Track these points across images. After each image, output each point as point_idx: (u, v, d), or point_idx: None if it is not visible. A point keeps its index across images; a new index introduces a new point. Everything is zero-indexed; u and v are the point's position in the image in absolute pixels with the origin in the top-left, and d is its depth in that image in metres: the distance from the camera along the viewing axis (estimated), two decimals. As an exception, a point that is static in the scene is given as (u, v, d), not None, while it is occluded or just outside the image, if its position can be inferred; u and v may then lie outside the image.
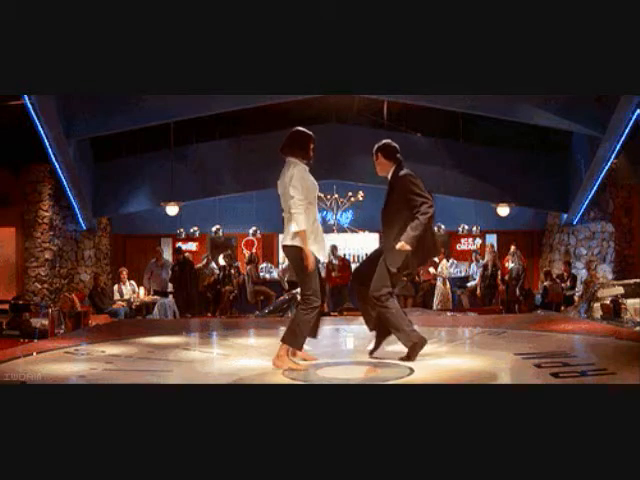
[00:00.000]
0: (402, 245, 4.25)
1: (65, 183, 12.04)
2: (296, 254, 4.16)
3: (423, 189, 4.37)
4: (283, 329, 4.43)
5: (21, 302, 9.13)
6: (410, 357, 4.31)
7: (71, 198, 12.52)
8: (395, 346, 4.54)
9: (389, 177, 4.51)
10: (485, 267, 12.53)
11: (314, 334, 4.33)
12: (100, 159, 13.40)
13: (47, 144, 10.89)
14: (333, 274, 12.28)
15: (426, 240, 4.40)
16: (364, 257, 13.93)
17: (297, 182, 4.13)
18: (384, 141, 4.59)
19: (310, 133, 4.31)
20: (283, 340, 4.15)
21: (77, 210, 12.89)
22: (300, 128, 4.34)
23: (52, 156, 11.23)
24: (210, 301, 12.68)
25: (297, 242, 4.14)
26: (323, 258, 4.20)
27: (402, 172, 4.42)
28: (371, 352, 4.57)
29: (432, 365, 4.23)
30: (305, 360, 4.32)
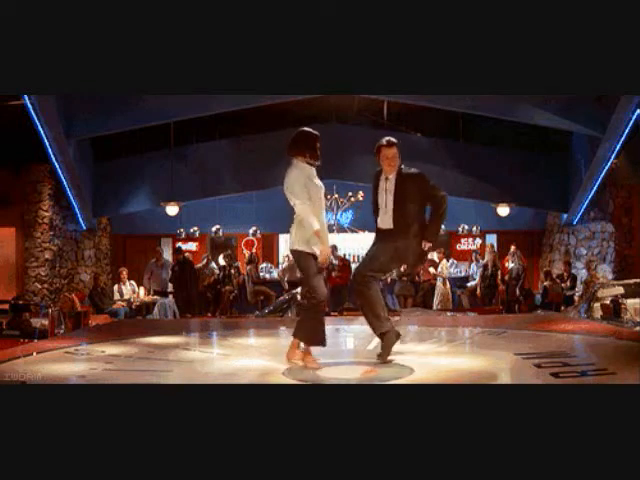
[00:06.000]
0: (429, 246, 4.35)
1: (65, 183, 12.04)
2: (295, 257, 4.16)
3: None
4: (283, 329, 4.44)
5: (21, 302, 9.12)
6: (384, 354, 4.27)
7: (71, 198, 12.52)
8: (395, 346, 4.54)
9: (392, 175, 4.49)
10: (485, 267, 12.53)
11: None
12: (100, 159, 13.39)
13: (47, 144, 10.90)
14: (333, 274, 12.28)
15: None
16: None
17: (293, 186, 4.12)
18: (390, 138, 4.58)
19: (316, 133, 4.30)
20: (296, 338, 4.20)
21: (77, 210, 12.89)
22: (306, 128, 4.33)
23: (52, 156, 11.23)
24: (210, 301, 12.68)
25: (302, 247, 4.14)
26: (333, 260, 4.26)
27: (415, 170, 4.46)
28: (379, 355, 4.55)
29: (432, 365, 4.23)
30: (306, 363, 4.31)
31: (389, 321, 4.38)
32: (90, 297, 11.30)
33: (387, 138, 4.53)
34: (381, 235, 4.54)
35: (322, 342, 4.19)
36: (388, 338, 4.30)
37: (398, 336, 4.36)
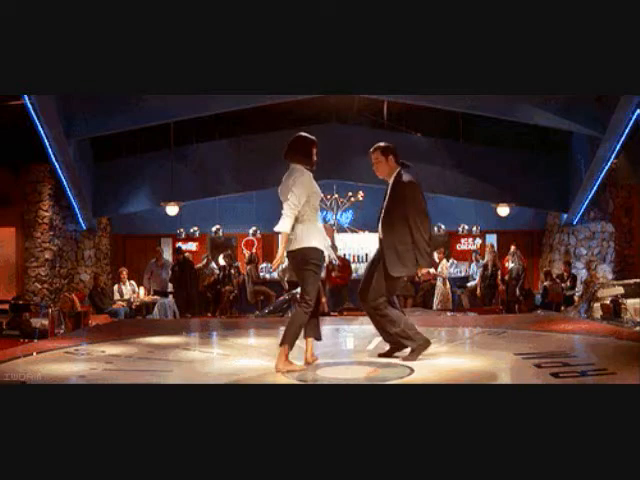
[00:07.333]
0: (427, 272, 4.29)
1: (65, 183, 12.04)
2: (299, 257, 4.14)
3: (424, 199, 4.38)
4: (283, 329, 4.43)
5: (21, 302, 9.13)
6: (412, 357, 4.32)
7: (71, 198, 12.52)
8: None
9: (391, 180, 4.46)
10: (485, 267, 12.52)
11: (319, 336, 4.35)
12: (100, 159, 13.40)
13: (47, 144, 10.89)
14: (333, 274, 12.27)
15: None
16: (364, 257, 13.96)
17: (297, 189, 4.11)
18: (387, 143, 4.53)
19: (313, 138, 4.28)
20: (283, 343, 4.10)
21: (77, 210, 12.89)
22: (303, 133, 4.31)
23: (52, 156, 11.23)
24: (210, 301, 12.68)
25: (298, 245, 4.13)
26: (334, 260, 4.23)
27: (407, 178, 4.38)
28: (380, 355, 4.56)
29: (432, 365, 4.23)
30: (307, 362, 4.29)
31: (418, 333, 4.40)
32: (90, 297, 11.30)
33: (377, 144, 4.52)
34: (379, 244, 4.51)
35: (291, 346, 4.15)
36: (419, 350, 4.36)
37: (429, 344, 4.42)
